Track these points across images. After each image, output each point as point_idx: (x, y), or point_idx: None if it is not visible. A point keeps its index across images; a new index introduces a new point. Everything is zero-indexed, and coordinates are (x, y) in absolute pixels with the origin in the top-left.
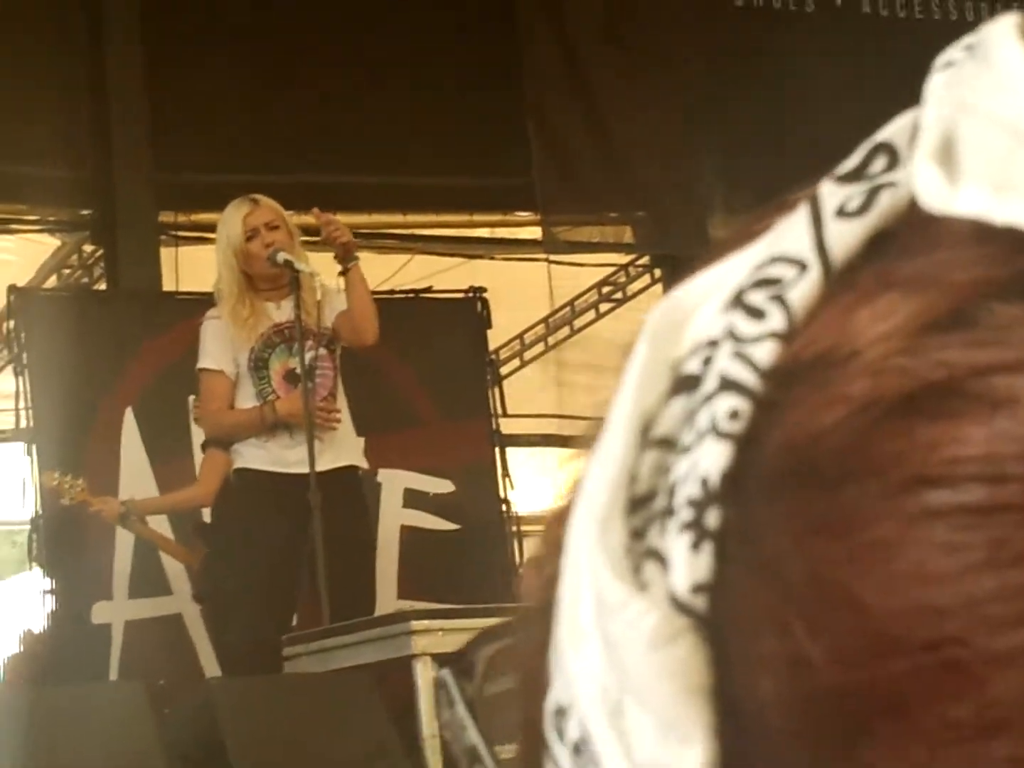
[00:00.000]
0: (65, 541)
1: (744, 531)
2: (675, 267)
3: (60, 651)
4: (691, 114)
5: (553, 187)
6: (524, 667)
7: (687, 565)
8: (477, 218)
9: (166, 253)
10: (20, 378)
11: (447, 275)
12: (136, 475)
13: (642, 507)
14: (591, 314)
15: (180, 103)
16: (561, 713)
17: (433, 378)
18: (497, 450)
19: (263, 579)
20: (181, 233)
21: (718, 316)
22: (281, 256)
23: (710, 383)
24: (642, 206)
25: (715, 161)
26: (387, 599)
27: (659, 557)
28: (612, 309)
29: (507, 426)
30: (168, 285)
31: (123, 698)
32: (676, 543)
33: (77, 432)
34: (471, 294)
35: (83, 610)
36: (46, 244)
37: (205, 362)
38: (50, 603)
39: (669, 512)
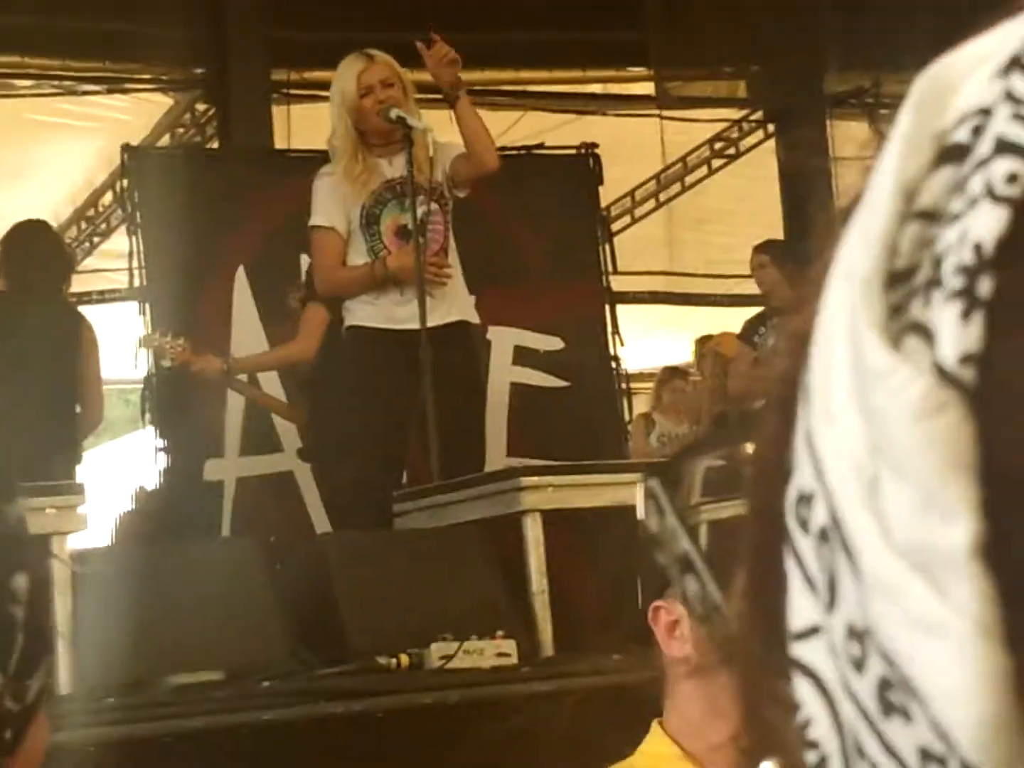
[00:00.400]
0: (177, 399)
1: (1021, 300)
2: (789, 122)
3: (173, 508)
4: None
5: (667, 41)
6: (758, 460)
7: (956, 334)
8: (589, 74)
9: (278, 111)
10: (134, 237)
11: (559, 131)
12: (248, 333)
13: (902, 282)
14: (703, 170)
15: None
16: (805, 500)
17: (545, 234)
18: (607, 307)
19: (373, 435)
20: (293, 91)
21: (991, 83)
22: (394, 112)
23: (984, 147)
24: (757, 60)
25: (832, 16)
26: (497, 456)
27: (923, 330)
28: (724, 165)
29: (617, 283)
30: (280, 143)
31: (236, 554)
32: (944, 313)
33: (190, 291)
34: (583, 150)
35: (195, 467)
36: (159, 103)
37: (317, 219)
38: (163, 461)
39: (935, 283)
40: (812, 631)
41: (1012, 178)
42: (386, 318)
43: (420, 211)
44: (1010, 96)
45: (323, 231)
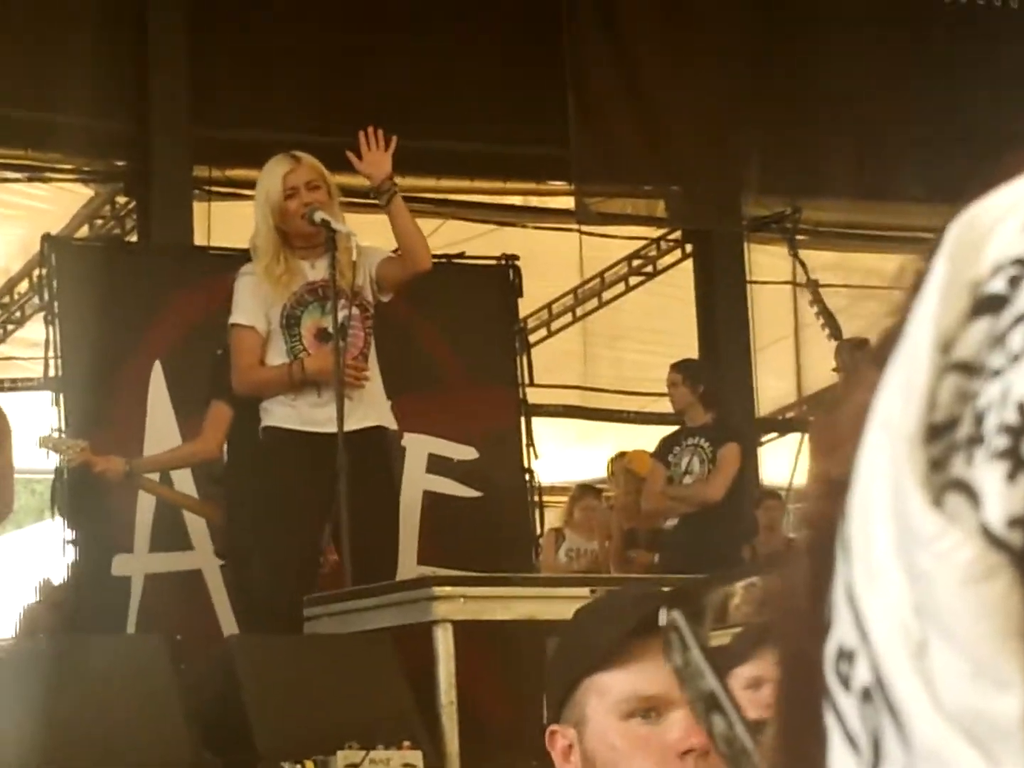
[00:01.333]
0: (87, 492)
1: None
2: (707, 242)
3: (79, 602)
4: (732, 91)
5: (588, 157)
6: (789, 605)
7: (1002, 496)
8: (510, 185)
9: (199, 207)
10: (50, 327)
11: (478, 241)
12: (162, 428)
13: (942, 435)
14: (620, 286)
15: (220, 58)
16: (846, 656)
17: (462, 344)
18: (523, 419)
19: (287, 537)
20: (214, 188)
21: (1021, 234)
22: (318, 215)
23: (1022, 302)
24: (677, 180)
25: (753, 140)
26: (407, 564)
27: (966, 488)
28: (642, 283)
29: (533, 395)
30: (200, 240)
31: (142, 651)
32: (988, 472)
33: (105, 383)
34: (503, 261)
35: (103, 562)
36: (79, 194)
37: (237, 317)
38: (71, 554)
39: (977, 440)
40: None
41: None
42: (303, 420)
43: (341, 315)
44: None
45: (243, 329)
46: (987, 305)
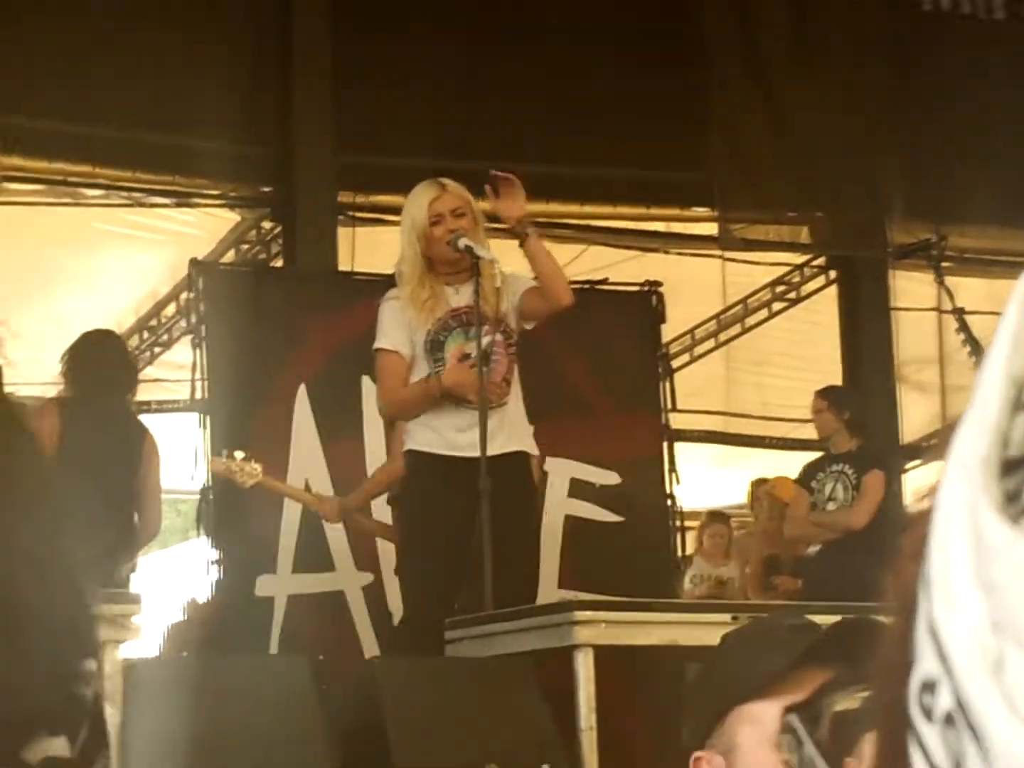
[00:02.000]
0: (233, 513)
1: None
2: (851, 269)
3: (223, 622)
4: (875, 116)
5: (731, 183)
6: (883, 659)
7: None
8: (653, 211)
9: (343, 233)
10: (197, 350)
11: (621, 267)
12: (307, 451)
13: (1016, 470)
14: (763, 312)
15: (365, 85)
16: (928, 687)
17: (605, 370)
18: (665, 444)
19: (434, 559)
20: (359, 214)
21: None
22: (463, 242)
23: None
24: (820, 206)
25: (897, 164)
26: (548, 588)
27: None
28: (785, 308)
29: (675, 420)
30: (344, 265)
31: (286, 671)
32: None
33: (250, 406)
34: (647, 288)
35: (247, 582)
36: (226, 219)
37: (382, 342)
38: (215, 573)
39: None
40: None
41: None
42: (446, 444)
43: (485, 341)
44: None
45: (387, 354)
46: None
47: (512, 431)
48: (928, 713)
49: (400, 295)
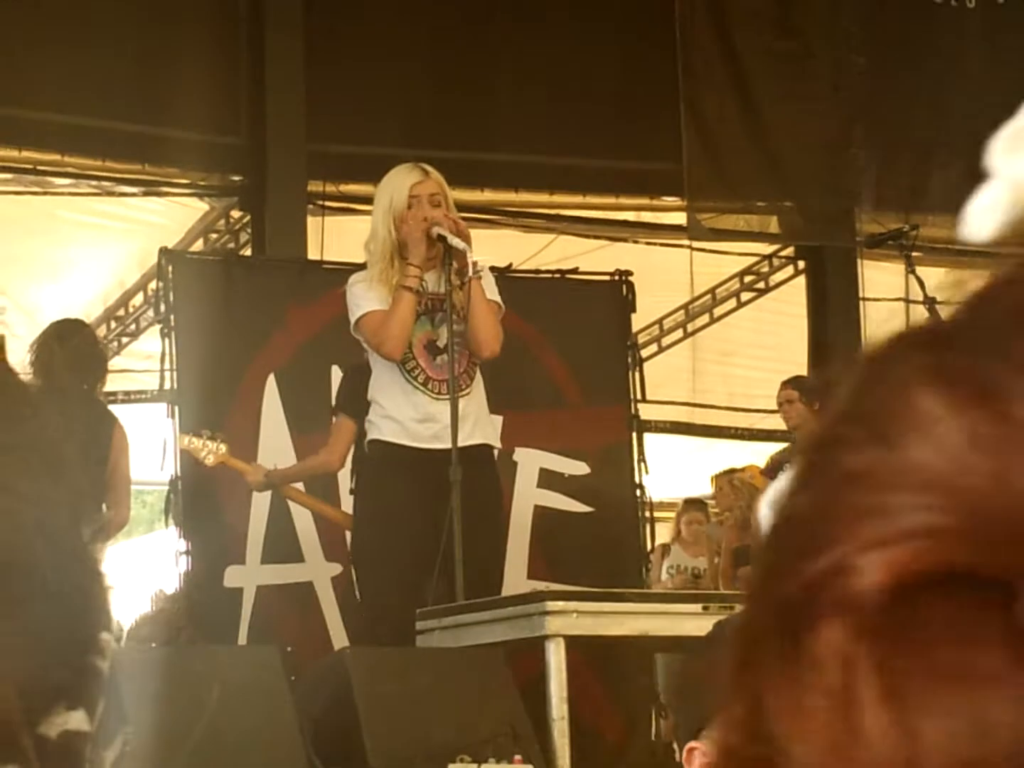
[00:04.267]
0: (202, 504)
1: None
2: (819, 259)
3: (191, 612)
4: (846, 107)
5: (701, 173)
6: None
7: None
8: (623, 201)
9: (313, 222)
10: (166, 340)
11: (590, 256)
12: (275, 442)
13: None
14: (731, 303)
15: (336, 74)
16: None
17: (576, 359)
18: (634, 434)
19: (396, 551)
20: (329, 203)
21: None
22: (437, 230)
23: None
24: (790, 196)
25: (867, 156)
26: (517, 578)
27: None
28: (753, 299)
29: (643, 411)
30: (313, 254)
31: (255, 661)
32: None
33: (219, 396)
34: (617, 277)
35: (216, 573)
36: (195, 208)
37: (361, 309)
38: (184, 564)
39: None
40: None
41: None
42: (410, 435)
43: (456, 328)
44: None
45: (371, 313)
46: None
47: (476, 422)
48: None
49: (369, 275)
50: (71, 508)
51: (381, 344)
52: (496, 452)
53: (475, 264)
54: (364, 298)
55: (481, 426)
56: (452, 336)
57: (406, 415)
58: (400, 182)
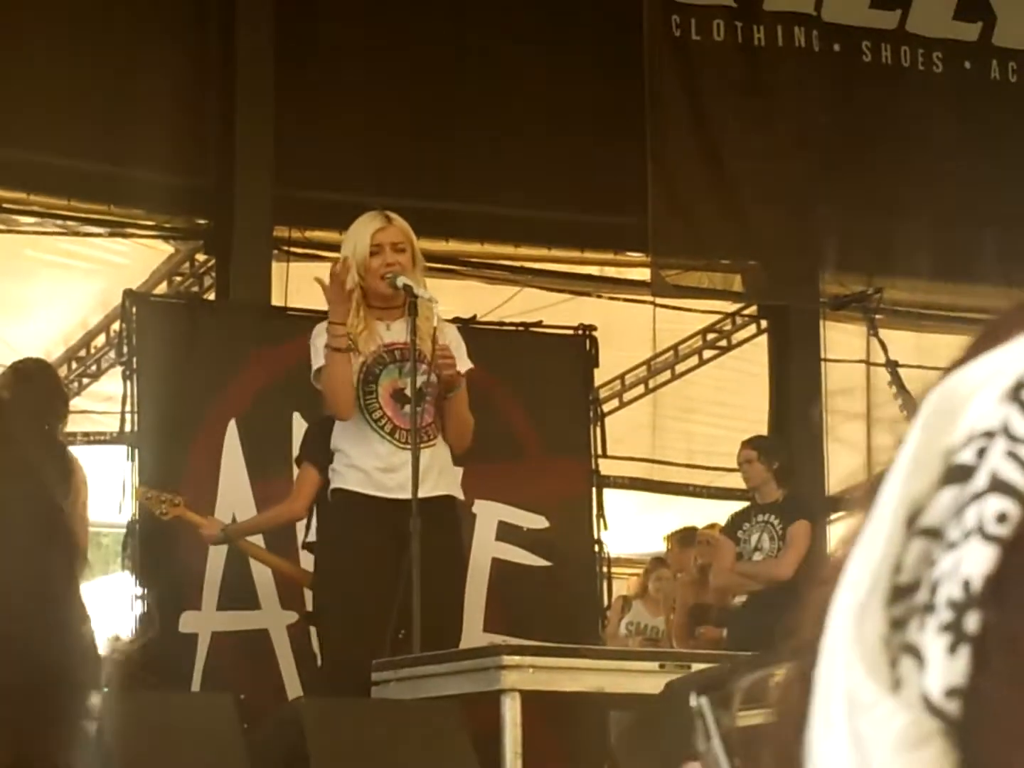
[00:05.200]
0: (159, 548)
1: (1005, 639)
2: (782, 318)
3: (145, 657)
4: (812, 167)
5: (666, 229)
6: (779, 727)
7: (943, 668)
8: (587, 255)
9: (277, 268)
10: (128, 382)
11: (553, 310)
12: (235, 488)
13: (905, 597)
14: (694, 360)
15: (305, 120)
16: None
17: (538, 412)
18: (594, 489)
19: (357, 601)
20: (294, 249)
21: (996, 406)
22: (400, 280)
23: (981, 479)
24: (754, 255)
25: (832, 217)
26: (473, 631)
27: (916, 653)
28: (715, 356)
29: (603, 466)
30: (277, 300)
31: (208, 709)
32: (933, 644)
33: (179, 440)
34: (580, 331)
35: (171, 618)
36: (159, 250)
37: (317, 364)
38: (139, 608)
39: (929, 609)
40: None
41: (1001, 518)
42: (374, 485)
43: (420, 379)
44: (1007, 431)
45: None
46: (956, 475)
47: (441, 474)
48: None
49: None
50: (67, 569)
51: (330, 409)
52: (459, 504)
53: (458, 375)
54: (321, 345)
55: (445, 476)
56: (415, 388)
57: (371, 464)
58: (363, 230)
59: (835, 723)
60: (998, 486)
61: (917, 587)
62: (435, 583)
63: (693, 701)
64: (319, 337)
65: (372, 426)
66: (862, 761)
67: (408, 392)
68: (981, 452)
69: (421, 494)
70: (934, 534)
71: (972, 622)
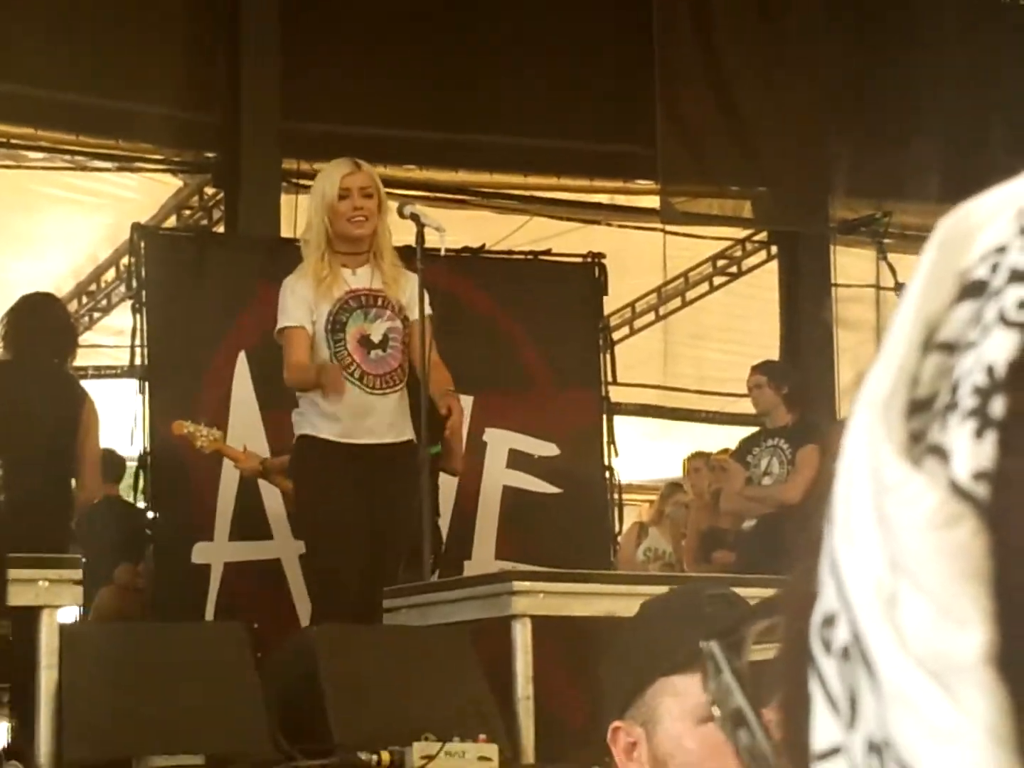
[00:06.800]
0: (171, 480)
1: None
2: (792, 244)
3: (159, 588)
4: (823, 93)
5: (675, 157)
6: (791, 594)
7: (970, 452)
8: (597, 183)
9: (286, 200)
10: (138, 315)
11: (563, 238)
12: (246, 419)
13: (922, 410)
14: (704, 287)
15: (311, 51)
16: (829, 621)
17: (547, 341)
18: (605, 417)
19: (333, 543)
20: (302, 181)
21: (1010, 223)
22: (408, 209)
23: (999, 279)
24: (763, 181)
25: (842, 142)
26: (485, 558)
27: (940, 452)
28: (726, 283)
29: (613, 394)
30: (286, 232)
31: (221, 638)
32: (959, 431)
33: (190, 372)
34: (590, 259)
35: (184, 549)
36: (168, 184)
37: (285, 321)
38: (152, 540)
39: (951, 407)
40: (834, 751)
41: (1023, 304)
42: (340, 431)
43: (386, 325)
44: (1022, 232)
45: (292, 330)
46: (972, 290)
47: (405, 418)
48: (827, 646)
49: (301, 273)
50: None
51: (287, 372)
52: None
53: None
54: (293, 304)
55: (408, 421)
56: (383, 336)
57: (340, 411)
58: (332, 174)
59: (859, 504)
60: (1017, 277)
61: (935, 398)
62: (401, 523)
63: (703, 647)
64: (284, 288)
65: (343, 373)
66: (894, 547)
67: (374, 338)
68: (995, 267)
69: (388, 439)
70: (950, 347)
71: (998, 406)
